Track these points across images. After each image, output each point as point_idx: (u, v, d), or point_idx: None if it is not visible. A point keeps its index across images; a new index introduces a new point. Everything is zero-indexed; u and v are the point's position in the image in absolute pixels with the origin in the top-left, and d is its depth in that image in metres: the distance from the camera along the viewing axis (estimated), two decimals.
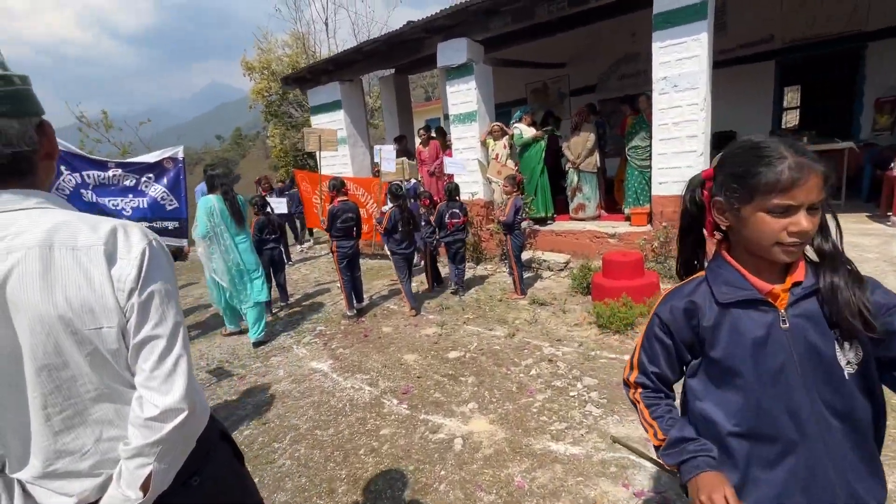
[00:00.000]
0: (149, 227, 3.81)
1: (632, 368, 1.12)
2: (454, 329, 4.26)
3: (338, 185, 4.96)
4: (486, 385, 3.21)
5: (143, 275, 0.85)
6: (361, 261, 5.79)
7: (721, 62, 6.97)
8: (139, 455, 0.84)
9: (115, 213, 4.35)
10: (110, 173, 4.36)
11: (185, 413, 0.86)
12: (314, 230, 9.50)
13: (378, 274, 6.65)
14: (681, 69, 4.82)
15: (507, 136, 6.32)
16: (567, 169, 6.71)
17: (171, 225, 4.62)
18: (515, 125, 6.37)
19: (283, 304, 5.40)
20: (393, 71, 9.56)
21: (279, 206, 6.12)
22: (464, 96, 6.60)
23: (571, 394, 2.99)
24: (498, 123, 6.44)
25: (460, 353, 3.75)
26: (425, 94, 36.17)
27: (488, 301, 4.96)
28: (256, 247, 4.95)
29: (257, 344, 4.32)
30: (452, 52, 6.43)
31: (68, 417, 0.86)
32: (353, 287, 4.95)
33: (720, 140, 6.54)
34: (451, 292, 5.33)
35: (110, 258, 0.83)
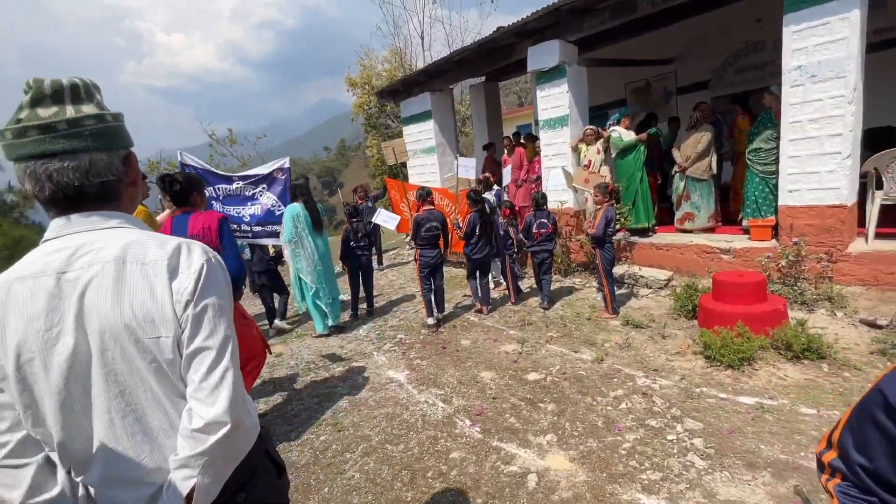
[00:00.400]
0: (262, 231, 4.73)
1: (829, 446, 0.82)
2: (535, 347, 4.00)
3: (423, 195, 5.02)
4: (567, 415, 2.92)
5: (199, 288, 0.90)
6: (446, 269, 5.78)
7: (877, 44, 5.77)
8: (185, 466, 0.88)
9: (238, 221, 4.87)
10: (234, 186, 4.94)
11: (228, 427, 0.88)
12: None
13: (461, 283, 6.59)
14: (821, 56, 4.05)
15: (601, 140, 5.88)
16: (673, 174, 6.06)
17: (279, 229, 4.93)
18: (613, 128, 5.89)
19: (368, 309, 5.57)
20: (483, 79, 9.53)
21: (378, 215, 6.23)
22: (555, 100, 6.29)
23: (669, 437, 2.59)
24: (591, 127, 6.02)
25: (541, 375, 3.49)
26: (518, 100, 35.80)
27: (575, 319, 4.60)
28: (343, 254, 5.23)
29: (326, 334, 4.84)
30: (543, 55, 6.17)
31: (129, 424, 0.90)
32: (434, 297, 4.93)
33: (873, 138, 5.39)
34: (540, 306, 5.06)
35: (173, 272, 0.90)
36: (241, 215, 4.91)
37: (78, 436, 0.90)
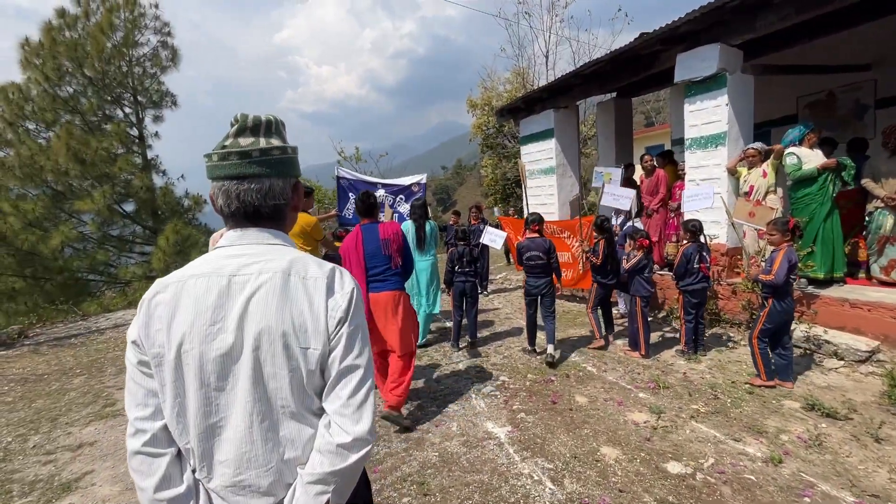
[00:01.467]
0: None
1: None
2: (676, 423, 3.11)
3: (529, 220, 4.65)
4: None
5: (352, 309, 0.98)
6: (559, 304, 5.14)
7: None
8: (321, 482, 0.91)
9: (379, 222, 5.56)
10: (378, 192, 5.54)
11: (370, 445, 0.95)
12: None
13: (575, 321, 5.79)
14: None
15: (768, 162, 4.70)
16: (871, 211, 4.62)
17: None
18: (791, 149, 4.67)
19: (471, 341, 5.11)
20: (613, 95, 8.65)
21: (486, 235, 5.84)
22: (709, 115, 5.25)
23: None
24: (755, 146, 4.86)
25: (686, 468, 2.63)
26: (646, 120, 33.17)
27: (729, 388, 3.57)
28: (447, 279, 4.94)
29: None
30: (697, 62, 5.21)
31: (267, 429, 0.94)
32: (534, 326, 4.66)
33: None
34: (681, 353, 4.14)
35: (329, 289, 0.97)
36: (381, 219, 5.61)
37: (216, 433, 0.93)
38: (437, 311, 5.26)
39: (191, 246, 14.46)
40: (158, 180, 16.38)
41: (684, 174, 5.85)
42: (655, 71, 6.07)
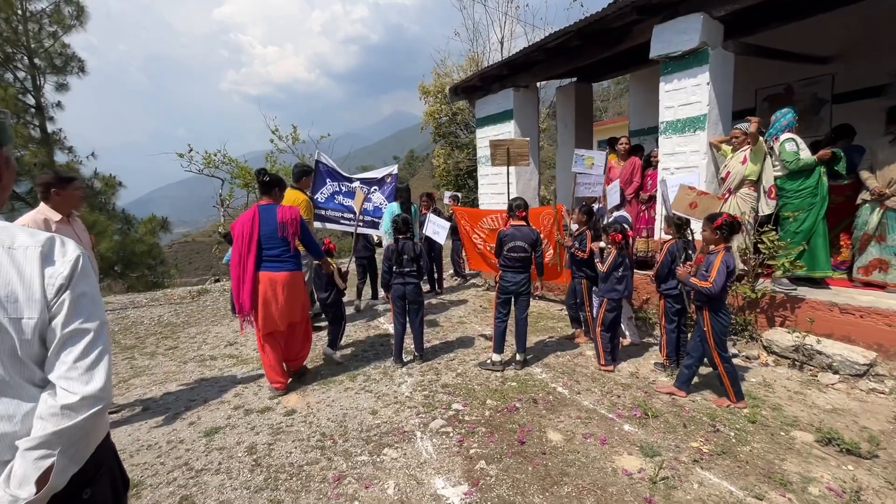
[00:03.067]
0: (369, 221, 5.88)
1: None
2: (678, 472, 2.43)
3: (514, 206, 3.94)
4: None
5: (75, 276, 0.97)
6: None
7: None
8: (43, 446, 0.88)
9: (352, 211, 5.70)
10: (354, 185, 5.88)
11: (103, 403, 0.95)
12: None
13: (536, 325, 5.09)
14: None
15: (749, 148, 4.19)
16: (860, 202, 4.25)
17: (379, 222, 5.82)
18: (787, 135, 4.17)
19: (416, 354, 4.24)
20: (573, 80, 8.07)
21: (428, 225, 5.15)
22: (687, 95, 4.69)
23: None
24: (740, 127, 4.34)
25: None
26: (598, 114, 33.73)
27: (728, 416, 2.97)
28: (384, 280, 4.10)
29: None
30: (676, 35, 4.62)
31: None
32: (504, 332, 3.95)
33: None
34: (661, 370, 3.52)
35: (46, 258, 0.95)
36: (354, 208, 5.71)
37: None
38: None
39: (98, 234, 12.51)
40: (62, 158, 14.16)
41: (657, 162, 5.29)
42: (626, 46, 5.45)
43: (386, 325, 5.34)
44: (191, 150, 10.53)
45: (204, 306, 6.78)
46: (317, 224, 6.30)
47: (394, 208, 5.62)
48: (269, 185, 3.46)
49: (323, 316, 4.67)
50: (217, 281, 8.99)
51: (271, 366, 3.53)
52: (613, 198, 5.25)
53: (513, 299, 3.92)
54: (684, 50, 4.57)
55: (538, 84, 7.47)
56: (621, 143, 5.83)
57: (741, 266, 4.17)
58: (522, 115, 7.03)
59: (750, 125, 4.12)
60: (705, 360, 3.21)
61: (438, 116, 22.72)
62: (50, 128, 14.19)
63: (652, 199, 5.36)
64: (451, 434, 2.91)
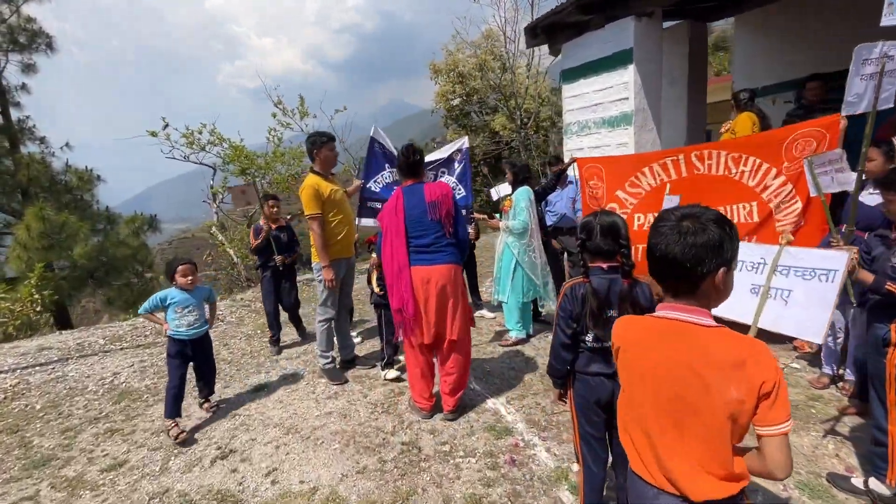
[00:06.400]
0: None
1: None
2: None
3: None
4: None
5: None
6: None
7: None
8: None
9: None
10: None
11: None
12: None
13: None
14: None
15: None
16: None
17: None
18: None
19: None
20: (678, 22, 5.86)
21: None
22: None
23: None
24: None
25: None
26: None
27: None
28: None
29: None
30: None
31: None
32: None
33: None
34: None
35: None
36: None
37: None
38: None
39: (70, 237, 10.34)
40: (33, 148, 11.99)
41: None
42: None
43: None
44: (166, 126, 8.29)
45: None
46: (365, 221, 4.20)
47: (530, 193, 4.00)
48: (419, 165, 2.88)
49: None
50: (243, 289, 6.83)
51: (416, 381, 2.92)
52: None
53: None
54: None
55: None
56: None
57: None
58: (646, 57, 4.82)
59: None
60: None
61: (451, 97, 20.40)
62: (15, 114, 11.94)
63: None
64: None
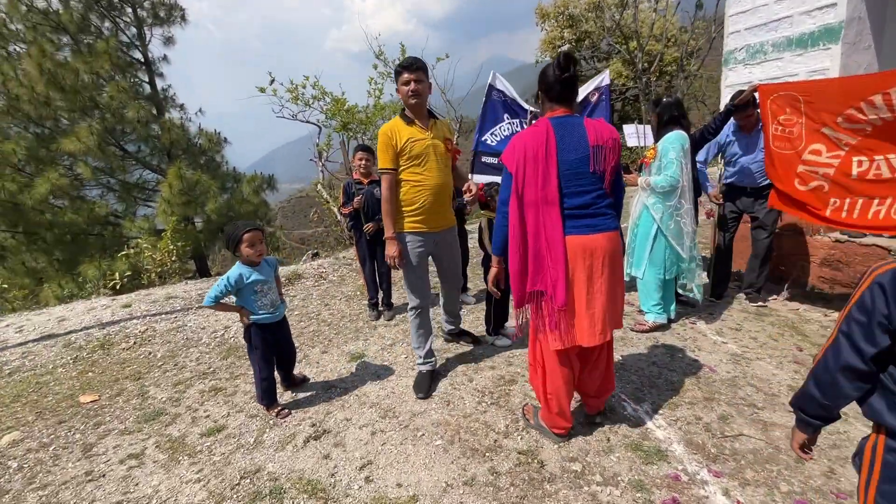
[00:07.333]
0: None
1: None
2: None
3: None
4: None
5: None
6: None
7: None
8: None
9: None
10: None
11: None
12: None
13: None
14: None
15: None
16: None
17: None
18: None
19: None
20: None
21: None
22: None
23: None
24: None
25: None
26: None
27: None
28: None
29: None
30: None
31: None
32: None
33: None
34: None
35: None
36: None
37: None
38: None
39: (203, 194, 11.46)
40: (174, 116, 13.39)
41: None
42: None
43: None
44: (272, 82, 8.41)
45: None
46: (478, 178, 3.70)
47: (684, 139, 3.08)
48: (574, 85, 1.96)
49: None
50: (316, 256, 6.99)
51: (558, 398, 2.08)
52: None
53: None
54: None
55: None
56: None
57: None
58: None
59: None
60: None
61: (559, 44, 18.74)
62: (159, 84, 13.32)
63: None
64: None
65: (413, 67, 2.50)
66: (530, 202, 1.91)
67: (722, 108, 4.59)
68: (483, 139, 4.14)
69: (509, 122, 4.10)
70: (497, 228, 2.07)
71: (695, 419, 2.26)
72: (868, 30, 3.60)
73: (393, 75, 2.88)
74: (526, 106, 4.09)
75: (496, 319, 3.28)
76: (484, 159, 4.14)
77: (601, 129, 1.94)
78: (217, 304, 2.43)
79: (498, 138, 4.10)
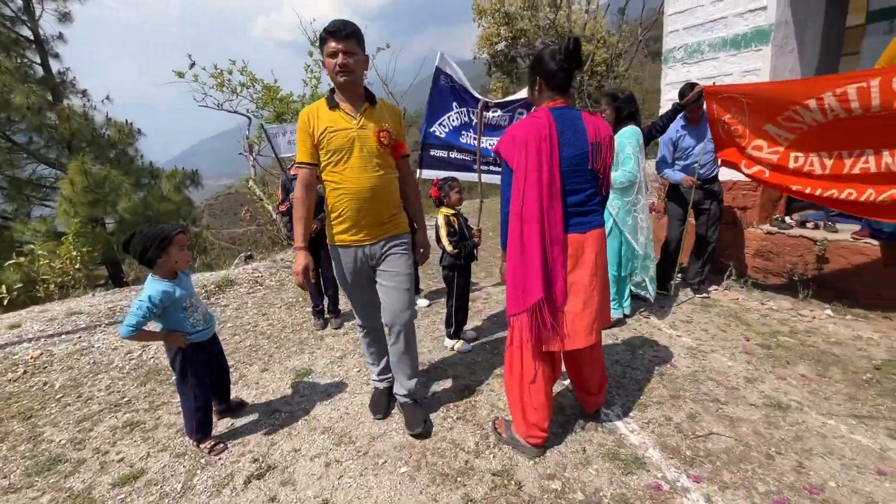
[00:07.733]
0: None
1: None
2: None
3: None
4: None
5: None
6: None
7: None
8: None
9: (486, 154, 3.88)
10: (492, 114, 3.92)
11: None
12: None
13: None
14: None
15: None
16: None
17: None
18: None
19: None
20: None
21: None
22: None
23: None
24: None
25: None
26: None
27: None
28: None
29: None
30: None
31: None
32: None
33: None
34: None
35: None
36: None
37: None
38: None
39: (113, 192, 10.18)
40: (75, 103, 11.76)
41: None
42: None
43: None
44: (192, 66, 7.59)
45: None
46: (427, 173, 3.47)
47: (638, 134, 3.10)
48: (572, 70, 1.79)
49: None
50: (250, 259, 6.39)
51: (535, 406, 1.95)
52: None
53: None
54: None
55: None
56: None
57: None
58: None
59: None
60: None
61: (495, 41, 18.96)
62: (55, 66, 11.64)
63: None
64: None
65: (341, 34, 1.88)
66: (534, 200, 1.76)
67: (662, 104, 4.74)
68: (431, 130, 3.92)
69: (458, 112, 3.90)
70: (504, 224, 1.89)
71: (665, 420, 2.22)
72: (793, 34, 3.82)
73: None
74: (477, 95, 3.91)
75: (457, 322, 3.10)
76: (433, 152, 3.93)
77: (599, 125, 1.86)
78: (139, 333, 1.99)
79: (447, 129, 3.90)
